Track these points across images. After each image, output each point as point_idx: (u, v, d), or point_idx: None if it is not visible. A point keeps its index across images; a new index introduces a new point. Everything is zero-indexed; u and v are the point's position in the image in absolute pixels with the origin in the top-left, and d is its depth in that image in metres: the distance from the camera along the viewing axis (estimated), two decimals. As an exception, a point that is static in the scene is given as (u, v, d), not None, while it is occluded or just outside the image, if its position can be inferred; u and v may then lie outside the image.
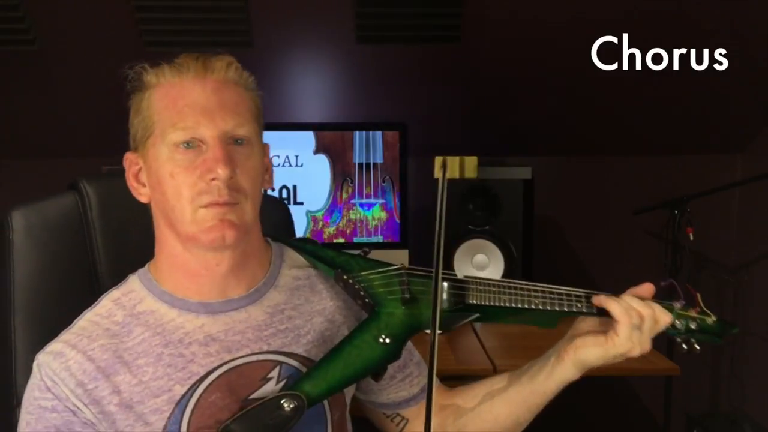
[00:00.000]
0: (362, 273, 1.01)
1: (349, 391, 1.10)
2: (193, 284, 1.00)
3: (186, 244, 0.97)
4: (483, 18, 2.14)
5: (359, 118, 2.30)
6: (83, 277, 1.09)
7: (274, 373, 0.99)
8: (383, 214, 2.23)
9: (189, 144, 0.94)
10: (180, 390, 0.95)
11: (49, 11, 2.07)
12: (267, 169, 1.06)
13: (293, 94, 2.36)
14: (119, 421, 0.94)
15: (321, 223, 2.22)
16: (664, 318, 0.99)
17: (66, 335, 0.97)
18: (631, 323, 0.96)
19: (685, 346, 1.03)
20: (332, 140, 2.19)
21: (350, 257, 1.04)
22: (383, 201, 2.23)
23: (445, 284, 0.98)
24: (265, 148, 1.05)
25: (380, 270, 1.01)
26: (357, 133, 2.20)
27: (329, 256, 1.06)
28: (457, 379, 1.20)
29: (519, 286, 1.00)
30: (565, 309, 1.00)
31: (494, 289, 0.99)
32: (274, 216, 1.23)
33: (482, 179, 2.09)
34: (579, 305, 1.00)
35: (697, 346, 1.03)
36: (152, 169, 0.97)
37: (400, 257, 2.17)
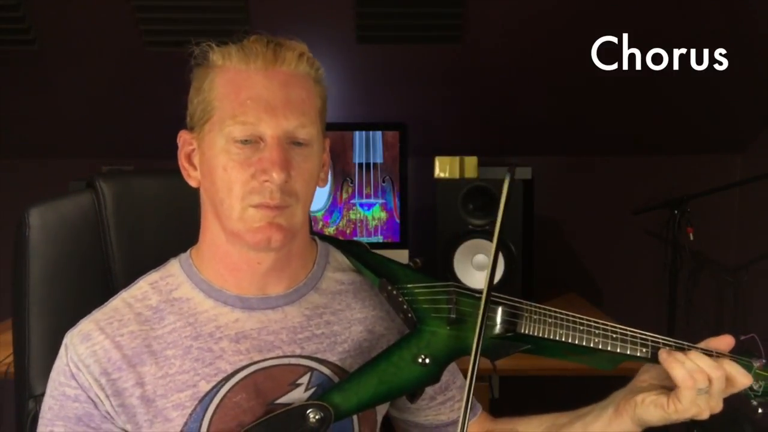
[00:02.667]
0: (408, 285, 0.95)
1: (382, 409, 1.04)
2: (232, 277, 0.96)
3: (230, 238, 0.94)
4: (483, 18, 2.14)
5: (359, 118, 2.30)
6: (97, 273, 1.10)
7: (304, 380, 0.95)
8: (383, 214, 2.23)
9: (246, 140, 0.89)
10: (205, 387, 0.92)
11: (49, 11, 2.07)
12: (323, 166, 0.99)
13: (293, 94, 2.36)
14: (139, 415, 0.91)
15: (321, 223, 2.22)
16: (741, 380, 0.89)
17: (98, 314, 0.95)
18: (696, 388, 0.87)
19: (760, 410, 0.93)
20: (332, 140, 2.16)
21: (399, 267, 0.98)
22: (383, 201, 2.23)
23: (499, 309, 0.91)
24: (325, 143, 1.00)
25: (428, 285, 0.95)
26: (357, 133, 2.20)
27: (376, 262, 1.00)
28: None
29: (578, 320, 0.92)
30: (628, 353, 0.92)
31: (550, 320, 0.92)
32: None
33: (482, 179, 2.09)
34: (644, 350, 0.92)
35: None
36: (206, 156, 0.93)
37: (399, 257, 2.17)
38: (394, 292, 0.94)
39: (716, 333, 0.94)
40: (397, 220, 2.23)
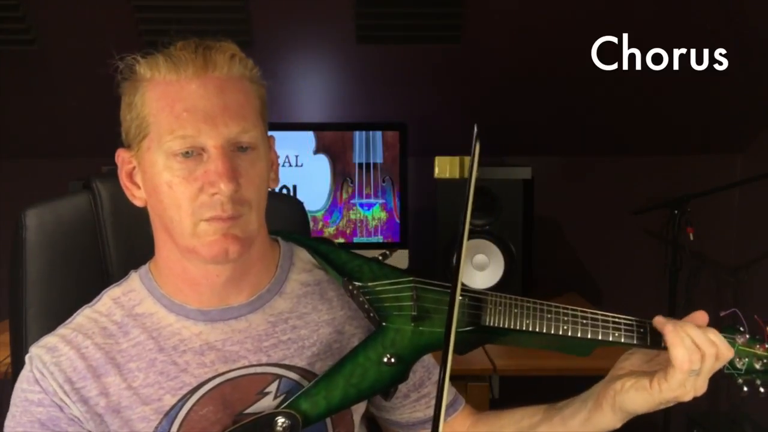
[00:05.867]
0: (370, 283, 0.92)
1: (357, 410, 1.02)
2: (192, 291, 0.95)
3: (185, 254, 0.91)
4: (483, 18, 2.14)
5: (359, 118, 2.30)
6: (94, 274, 1.10)
7: (272, 387, 0.94)
8: (383, 214, 2.23)
9: (188, 153, 0.86)
10: (170, 400, 0.91)
11: (49, 11, 2.07)
12: (272, 165, 0.96)
13: (293, 94, 2.36)
14: (108, 424, 0.91)
15: (321, 223, 2.22)
16: (725, 352, 0.85)
17: (63, 330, 0.94)
18: (690, 368, 0.83)
19: (746, 389, 0.89)
20: (332, 140, 2.19)
21: (364, 263, 0.95)
22: (383, 201, 2.23)
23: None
24: (270, 141, 0.96)
25: (389, 282, 0.92)
26: (357, 133, 2.20)
27: (341, 260, 0.97)
28: (456, 379, 1.17)
29: (545, 308, 0.89)
30: (599, 337, 0.88)
31: (516, 309, 0.89)
32: (291, 215, 1.22)
33: (482, 179, 2.09)
34: (617, 334, 0.88)
35: (763, 389, 0.89)
36: (148, 174, 0.90)
37: (400, 258, 2.18)
38: (356, 292, 0.92)
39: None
40: (397, 220, 2.23)
